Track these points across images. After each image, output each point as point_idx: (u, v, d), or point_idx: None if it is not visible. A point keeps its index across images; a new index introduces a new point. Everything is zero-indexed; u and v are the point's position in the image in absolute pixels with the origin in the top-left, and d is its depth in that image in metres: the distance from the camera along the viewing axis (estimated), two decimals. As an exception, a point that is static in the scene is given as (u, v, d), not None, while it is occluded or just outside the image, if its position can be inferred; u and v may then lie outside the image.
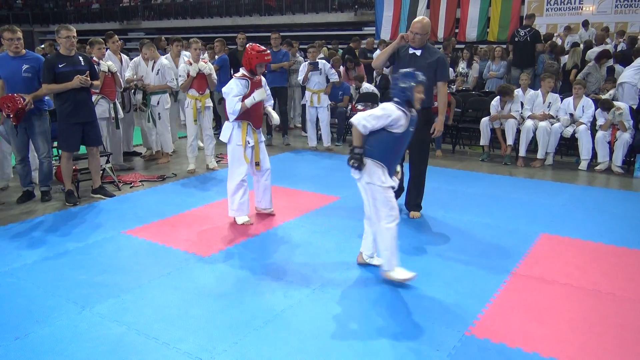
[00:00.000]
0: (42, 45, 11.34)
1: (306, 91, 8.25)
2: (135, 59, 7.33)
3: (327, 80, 8.21)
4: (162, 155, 7.56)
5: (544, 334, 3.15)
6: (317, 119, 8.34)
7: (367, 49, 11.56)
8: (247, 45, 4.93)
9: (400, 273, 3.70)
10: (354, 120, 3.59)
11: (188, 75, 6.68)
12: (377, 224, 3.69)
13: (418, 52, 4.87)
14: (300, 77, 8.14)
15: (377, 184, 3.61)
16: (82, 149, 5.84)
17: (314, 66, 8.00)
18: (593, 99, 7.38)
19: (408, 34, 4.85)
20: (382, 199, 3.63)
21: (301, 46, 11.10)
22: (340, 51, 11.78)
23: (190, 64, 6.70)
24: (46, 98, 5.72)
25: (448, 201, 5.70)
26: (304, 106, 8.87)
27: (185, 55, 7.61)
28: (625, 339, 3.10)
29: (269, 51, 4.91)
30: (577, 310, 3.43)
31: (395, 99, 3.62)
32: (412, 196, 5.23)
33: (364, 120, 3.56)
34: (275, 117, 5.16)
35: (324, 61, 8.37)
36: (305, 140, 8.83)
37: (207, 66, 6.78)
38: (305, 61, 8.50)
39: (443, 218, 5.18)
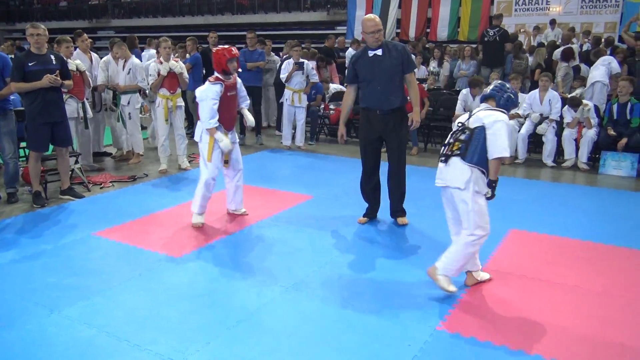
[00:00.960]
0: (2, 45, 11.00)
1: (286, 90, 8.23)
2: (105, 58, 7.21)
3: (308, 80, 8.23)
4: (133, 155, 7.45)
5: (513, 327, 3.22)
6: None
7: (339, 48, 11.60)
8: (213, 50, 4.89)
9: (448, 283, 3.55)
10: (503, 153, 3.39)
11: (159, 74, 6.60)
12: (469, 231, 3.49)
13: (379, 52, 4.64)
14: (284, 75, 8.11)
15: (483, 192, 3.49)
16: (50, 149, 5.72)
17: (299, 66, 8.01)
18: (560, 97, 7.56)
19: (368, 38, 4.62)
20: (485, 207, 3.53)
21: (274, 45, 11.08)
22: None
23: (161, 62, 6.63)
24: (12, 97, 5.58)
25: (420, 199, 5.76)
26: (281, 104, 8.85)
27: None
28: (590, 329, 3.19)
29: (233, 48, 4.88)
30: (544, 303, 3.51)
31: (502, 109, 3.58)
32: (395, 202, 5.00)
33: (505, 147, 3.40)
34: (250, 119, 5.16)
35: (307, 61, 8.39)
36: (279, 139, 8.82)
37: (178, 65, 6.71)
38: (281, 59, 8.49)
39: (415, 215, 5.23)
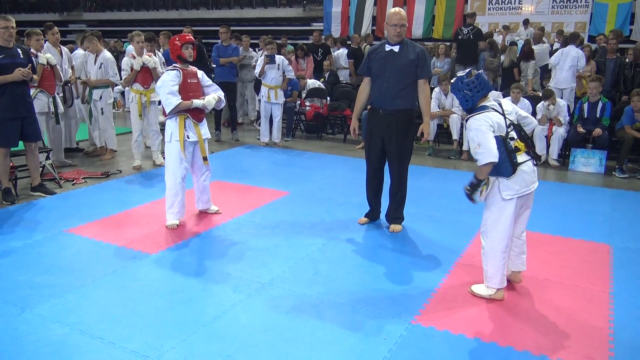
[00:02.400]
0: None
1: (262, 86, 8.19)
2: (79, 51, 7.08)
3: (284, 76, 8.20)
4: (106, 151, 7.34)
5: (485, 320, 3.28)
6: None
7: (314, 44, 11.59)
8: (169, 40, 4.81)
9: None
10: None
11: (132, 69, 6.51)
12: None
13: (396, 49, 4.43)
14: (257, 70, 8.07)
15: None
16: (21, 145, 5.59)
17: (270, 59, 7.96)
18: (530, 97, 7.71)
19: (389, 30, 4.41)
20: None
21: (251, 41, 11.01)
22: (290, 47, 11.77)
23: (134, 57, 6.53)
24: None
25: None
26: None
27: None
28: (558, 320, 3.28)
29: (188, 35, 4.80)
30: (515, 296, 3.60)
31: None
32: (392, 208, 4.81)
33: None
34: (209, 98, 4.79)
35: (281, 57, 8.35)
36: (254, 135, 8.79)
37: (152, 60, 6.63)
38: (259, 55, 8.45)
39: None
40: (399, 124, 4.52)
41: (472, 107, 3.42)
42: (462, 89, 3.41)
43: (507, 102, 3.49)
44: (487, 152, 3.23)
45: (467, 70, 3.49)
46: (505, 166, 3.29)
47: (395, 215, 4.81)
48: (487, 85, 3.42)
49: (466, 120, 3.45)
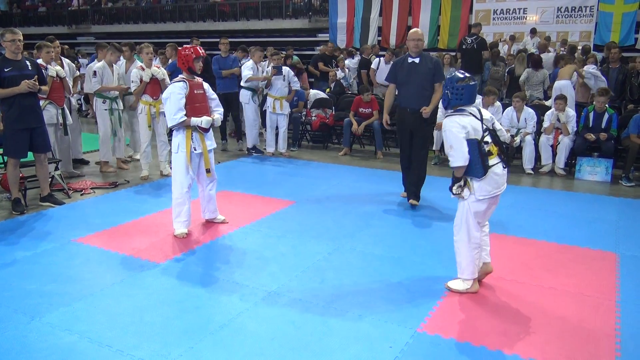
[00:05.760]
0: None
1: (268, 97, 8.25)
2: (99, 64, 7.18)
3: (290, 87, 8.26)
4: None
5: (490, 328, 3.29)
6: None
7: (327, 54, 11.67)
8: (178, 50, 4.87)
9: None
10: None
11: (141, 80, 6.59)
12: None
13: (417, 60, 5.54)
14: (264, 82, 8.15)
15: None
16: (30, 156, 5.66)
17: (278, 70, 8.03)
18: (534, 106, 7.71)
19: (409, 44, 5.55)
20: None
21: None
22: (296, 57, 11.86)
23: (143, 69, 6.62)
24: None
25: (401, 203, 5.85)
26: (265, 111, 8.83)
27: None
28: (565, 329, 3.27)
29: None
30: (521, 305, 3.59)
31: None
32: (412, 185, 5.82)
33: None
34: (217, 117, 4.95)
35: (287, 68, 8.41)
36: (261, 144, 8.83)
37: (161, 71, 6.71)
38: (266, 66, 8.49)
39: (396, 219, 5.31)
40: (423, 118, 5.60)
41: (447, 107, 3.66)
42: (447, 87, 3.64)
43: (485, 111, 3.74)
44: (458, 155, 3.50)
45: (468, 75, 3.61)
46: (477, 168, 3.53)
47: (414, 191, 5.80)
48: (470, 99, 3.62)
49: (444, 119, 3.68)
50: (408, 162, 5.91)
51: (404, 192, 6.05)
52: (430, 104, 5.57)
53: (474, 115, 3.59)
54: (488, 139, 3.59)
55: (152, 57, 6.71)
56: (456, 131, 3.50)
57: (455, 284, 3.77)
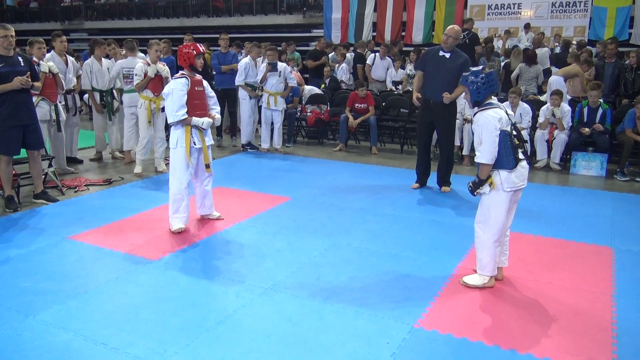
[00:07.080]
0: None
1: (263, 93, 8.22)
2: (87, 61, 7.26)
3: (286, 83, 8.23)
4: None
5: (487, 324, 3.29)
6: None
7: (318, 50, 11.64)
8: (179, 47, 4.86)
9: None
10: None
11: (145, 75, 6.55)
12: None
13: (447, 55, 5.78)
14: (259, 77, 8.11)
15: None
16: (23, 153, 5.61)
17: (273, 67, 8.00)
18: (530, 102, 7.71)
19: (443, 38, 5.82)
20: None
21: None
22: (297, 54, 11.85)
23: (148, 64, 6.58)
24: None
25: (397, 199, 5.84)
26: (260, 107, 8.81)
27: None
28: (562, 324, 3.28)
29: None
30: (518, 299, 3.60)
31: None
32: (441, 174, 6.12)
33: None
34: (217, 117, 4.99)
35: (283, 64, 8.38)
36: (256, 141, 8.80)
37: (165, 69, 6.71)
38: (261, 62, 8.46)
39: (392, 216, 5.30)
40: (446, 110, 5.89)
41: (480, 100, 3.62)
42: (475, 81, 3.61)
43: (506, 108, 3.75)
44: (486, 152, 3.50)
45: (482, 66, 3.70)
46: (509, 159, 3.51)
47: (444, 178, 6.09)
48: (496, 84, 3.68)
49: (474, 115, 3.67)
50: (427, 156, 6.19)
51: (415, 184, 6.26)
52: (453, 92, 5.72)
53: (500, 108, 3.62)
54: (514, 132, 3.61)
55: (159, 55, 6.72)
56: (492, 127, 3.48)
57: (472, 279, 3.77)
